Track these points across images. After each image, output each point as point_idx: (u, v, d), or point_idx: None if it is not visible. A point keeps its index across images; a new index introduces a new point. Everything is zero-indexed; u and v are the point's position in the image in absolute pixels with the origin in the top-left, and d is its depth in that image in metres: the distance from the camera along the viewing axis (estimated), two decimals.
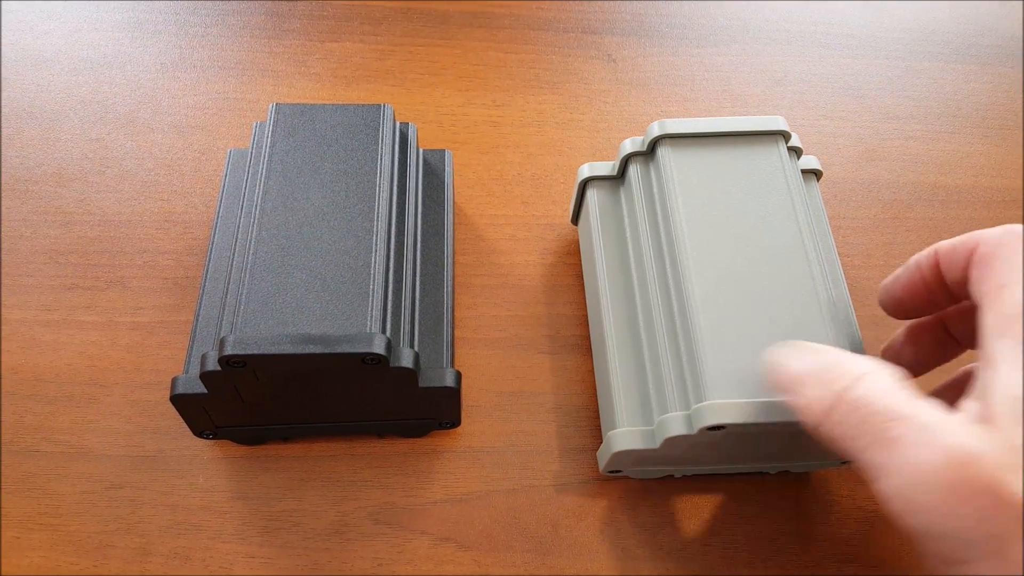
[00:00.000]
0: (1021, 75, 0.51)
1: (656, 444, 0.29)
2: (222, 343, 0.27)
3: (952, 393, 0.29)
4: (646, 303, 0.32)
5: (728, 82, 0.49)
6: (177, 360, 0.35)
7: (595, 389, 0.35)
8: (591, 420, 0.35)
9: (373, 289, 0.29)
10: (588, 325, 0.37)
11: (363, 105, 0.35)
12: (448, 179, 0.39)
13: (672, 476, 0.33)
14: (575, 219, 0.40)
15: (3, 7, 0.49)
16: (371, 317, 0.28)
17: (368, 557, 0.31)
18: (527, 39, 0.51)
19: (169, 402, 0.34)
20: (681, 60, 0.50)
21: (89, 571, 0.30)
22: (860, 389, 0.22)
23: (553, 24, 0.52)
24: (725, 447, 0.30)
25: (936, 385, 0.31)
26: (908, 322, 0.31)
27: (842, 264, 0.39)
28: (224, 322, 0.29)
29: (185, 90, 0.46)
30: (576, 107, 0.47)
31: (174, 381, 0.29)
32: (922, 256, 0.27)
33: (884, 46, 0.52)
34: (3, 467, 0.32)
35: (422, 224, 0.36)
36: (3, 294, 0.37)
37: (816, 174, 0.36)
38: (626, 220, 0.35)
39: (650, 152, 0.34)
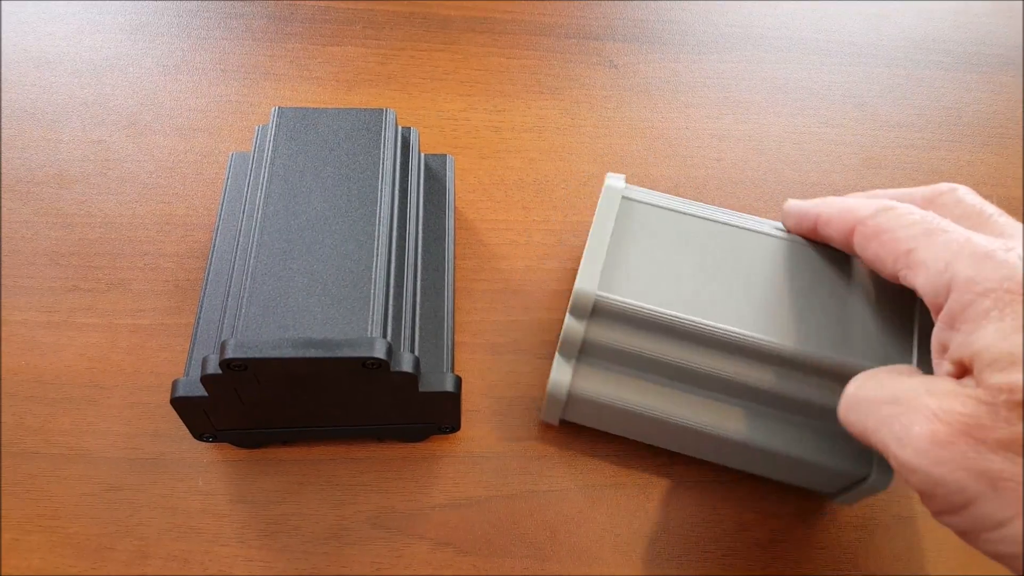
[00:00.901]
0: (1022, 83, 0.52)
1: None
2: (223, 346, 0.27)
3: None
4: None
5: (729, 89, 0.49)
6: (177, 363, 0.35)
7: None
8: (592, 428, 0.35)
9: (374, 293, 0.29)
10: None
11: (365, 109, 0.35)
12: (449, 184, 0.39)
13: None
14: None
15: (4, 8, 0.49)
16: (372, 321, 0.28)
17: (367, 561, 0.31)
18: (529, 44, 0.51)
19: (169, 405, 0.34)
20: (682, 67, 0.50)
21: (88, 573, 0.30)
22: (852, 388, 0.25)
23: (555, 30, 0.52)
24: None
25: None
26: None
27: None
28: (225, 325, 0.29)
29: (187, 93, 0.46)
30: (577, 113, 0.47)
31: (175, 384, 0.29)
32: (806, 217, 0.31)
33: (885, 54, 0.52)
34: (3, 469, 0.32)
35: (423, 229, 0.36)
36: (3, 296, 0.37)
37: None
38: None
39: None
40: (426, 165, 0.39)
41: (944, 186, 0.28)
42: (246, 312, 0.28)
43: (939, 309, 0.24)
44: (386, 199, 0.32)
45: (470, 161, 0.44)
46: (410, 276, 0.32)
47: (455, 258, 0.38)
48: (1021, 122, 0.49)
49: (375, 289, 0.29)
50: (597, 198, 0.43)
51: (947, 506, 0.22)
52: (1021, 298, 0.21)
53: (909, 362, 0.29)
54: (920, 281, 0.24)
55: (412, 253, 0.33)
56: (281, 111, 0.34)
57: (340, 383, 0.29)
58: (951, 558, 0.33)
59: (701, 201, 0.43)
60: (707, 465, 0.34)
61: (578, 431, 0.35)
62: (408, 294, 0.32)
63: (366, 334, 0.27)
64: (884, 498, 0.34)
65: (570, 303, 0.30)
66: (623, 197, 0.33)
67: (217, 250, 0.34)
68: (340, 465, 0.33)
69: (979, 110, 0.50)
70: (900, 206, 0.26)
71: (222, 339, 0.27)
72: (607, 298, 0.30)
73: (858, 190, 0.45)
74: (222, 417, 0.30)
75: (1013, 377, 0.20)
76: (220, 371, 0.27)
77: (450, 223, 0.37)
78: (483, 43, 0.51)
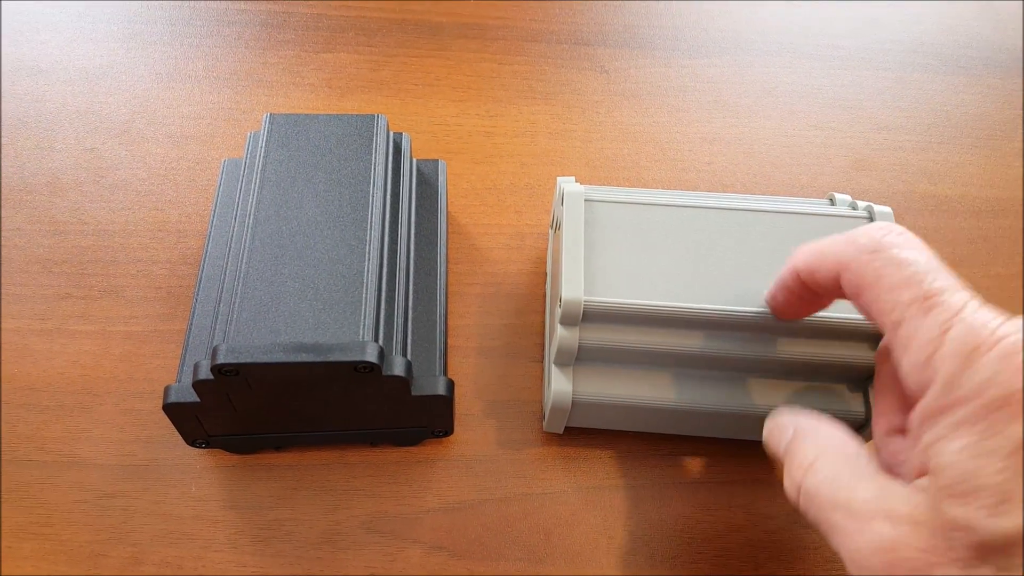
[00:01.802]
0: (1021, 86, 0.52)
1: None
2: (215, 352, 0.27)
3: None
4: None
5: (719, 92, 0.49)
6: (170, 369, 0.35)
7: None
8: (586, 429, 0.35)
9: (366, 298, 0.29)
10: None
11: (357, 115, 0.35)
12: (442, 188, 0.39)
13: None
14: None
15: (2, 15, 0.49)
16: (363, 326, 0.28)
17: (361, 566, 0.31)
18: (520, 50, 0.51)
19: (162, 411, 0.34)
20: (673, 71, 0.50)
21: None
22: (808, 481, 0.23)
23: (546, 35, 0.52)
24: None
25: None
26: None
27: None
28: (217, 331, 0.29)
29: (180, 100, 0.46)
30: (569, 118, 0.47)
31: (167, 390, 0.29)
32: (787, 278, 0.28)
33: (874, 57, 0.53)
34: None
35: (415, 233, 0.36)
36: None
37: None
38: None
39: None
40: (418, 170, 0.39)
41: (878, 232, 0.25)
42: (238, 317, 0.28)
43: (918, 398, 0.22)
44: (378, 204, 0.32)
45: (463, 166, 0.45)
46: (402, 280, 0.33)
47: (448, 262, 0.38)
48: (1015, 123, 0.49)
49: (367, 293, 0.29)
50: None
51: None
52: (999, 414, 0.19)
53: None
54: (904, 366, 0.22)
55: (404, 257, 0.33)
56: (273, 117, 0.34)
57: (332, 388, 0.29)
58: None
59: None
60: (700, 466, 0.35)
61: (571, 434, 0.35)
62: (400, 298, 0.32)
63: (358, 338, 0.28)
64: None
65: (560, 313, 0.31)
66: (585, 200, 0.33)
67: (209, 256, 0.34)
68: (333, 470, 0.33)
69: (968, 112, 0.50)
70: (887, 240, 0.24)
71: (214, 344, 0.27)
72: (595, 302, 0.30)
73: (848, 192, 0.45)
74: (214, 423, 0.30)
75: (971, 514, 0.19)
76: (212, 376, 0.27)
77: (442, 227, 0.37)
78: (475, 49, 0.51)
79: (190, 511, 0.32)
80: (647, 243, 0.32)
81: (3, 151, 0.43)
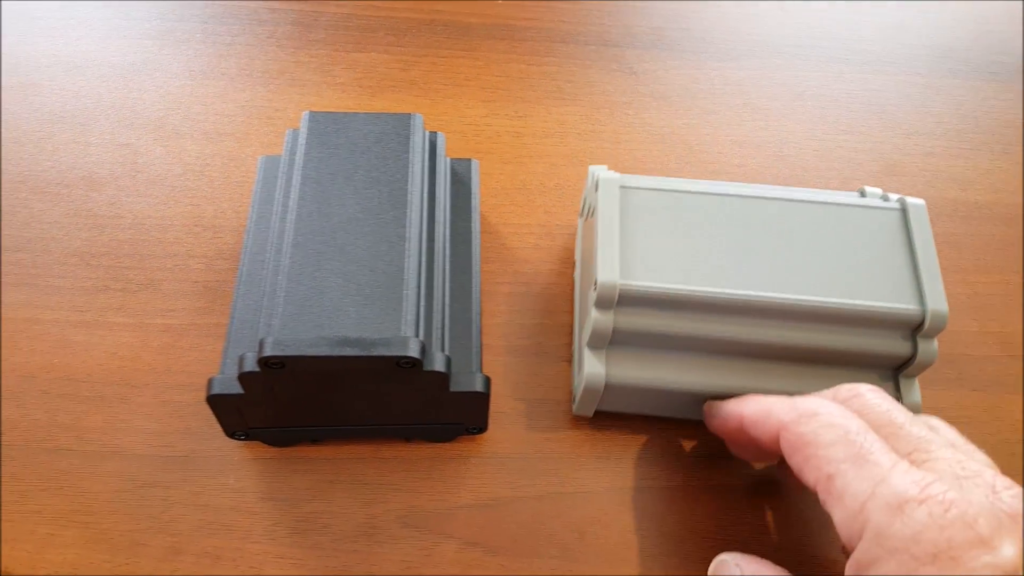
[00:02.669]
0: (1022, 86, 0.52)
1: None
2: (261, 344, 0.27)
3: None
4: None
5: (749, 95, 0.49)
6: (208, 362, 0.36)
7: None
8: (618, 427, 0.35)
9: (407, 294, 0.29)
10: None
11: (394, 114, 0.35)
12: (475, 187, 0.39)
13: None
14: None
15: (33, 13, 0.50)
16: (405, 321, 0.28)
17: (396, 560, 0.31)
18: (549, 51, 0.51)
19: (199, 403, 0.34)
20: (702, 73, 0.51)
21: (121, 568, 0.31)
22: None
23: (574, 37, 0.52)
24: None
25: None
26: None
27: None
28: (261, 324, 0.29)
29: (214, 98, 0.46)
30: (598, 119, 0.48)
31: (210, 381, 0.29)
32: (730, 418, 0.30)
33: (904, 63, 0.53)
34: (38, 465, 0.33)
35: (450, 232, 0.36)
36: (35, 295, 0.38)
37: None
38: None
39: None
40: (452, 169, 0.39)
41: (845, 390, 0.27)
42: (283, 311, 0.28)
43: (852, 549, 0.23)
44: (416, 202, 0.32)
45: (492, 166, 0.45)
46: (439, 278, 0.33)
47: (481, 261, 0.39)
48: (1022, 127, 0.50)
49: (407, 290, 0.29)
50: None
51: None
52: (927, 569, 0.21)
53: (911, 294, 0.31)
54: (836, 516, 0.24)
55: (441, 255, 0.34)
56: (312, 115, 0.35)
57: (371, 382, 0.29)
58: None
59: None
60: (732, 467, 0.35)
61: (603, 432, 0.35)
62: (438, 295, 0.32)
63: (399, 333, 0.28)
64: None
65: (594, 297, 0.31)
66: (620, 186, 0.34)
67: (249, 251, 0.34)
68: (369, 464, 0.34)
69: (998, 118, 0.50)
70: (823, 410, 0.26)
71: (259, 337, 0.28)
72: (630, 285, 0.31)
73: None
74: (255, 415, 0.31)
75: None
76: (257, 369, 0.27)
77: (475, 226, 0.37)
78: (504, 50, 0.51)
79: (228, 502, 0.32)
80: (681, 229, 0.33)
81: (41, 146, 0.44)
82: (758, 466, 0.35)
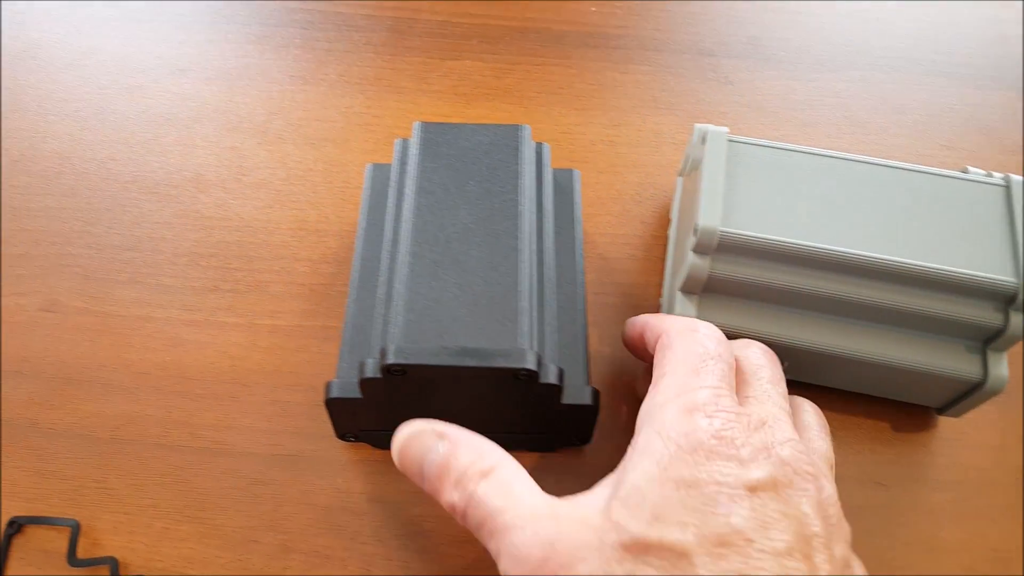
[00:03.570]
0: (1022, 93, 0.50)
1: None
2: (383, 352, 0.28)
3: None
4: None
5: (848, 108, 0.49)
6: (315, 364, 0.36)
7: None
8: None
9: (522, 306, 0.29)
10: None
11: (503, 125, 0.36)
12: (577, 198, 0.39)
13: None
14: None
15: (137, 17, 0.52)
16: (522, 333, 0.28)
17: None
18: (642, 59, 0.51)
19: (308, 404, 0.35)
20: (799, 84, 0.50)
21: (235, 564, 0.32)
22: (482, 487, 0.26)
23: (668, 45, 0.52)
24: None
25: None
26: None
27: None
28: (381, 332, 0.30)
29: (314, 103, 0.47)
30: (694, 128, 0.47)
31: (329, 385, 0.30)
32: (635, 325, 0.32)
33: (1006, 76, 0.51)
34: (153, 460, 0.34)
35: (555, 243, 0.36)
36: (146, 294, 0.39)
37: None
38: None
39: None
40: (554, 179, 0.39)
41: (743, 341, 0.30)
42: (404, 320, 0.28)
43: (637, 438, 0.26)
44: (527, 213, 0.32)
45: (587, 175, 0.45)
46: (549, 289, 0.33)
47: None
48: None
49: (523, 301, 0.29)
50: None
51: None
52: (685, 461, 0.24)
53: (1008, 266, 0.31)
54: (644, 404, 0.27)
55: (550, 267, 0.34)
56: (424, 126, 0.35)
57: (485, 391, 0.30)
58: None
59: None
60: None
61: None
62: (549, 307, 0.32)
63: (516, 345, 0.28)
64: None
65: (694, 242, 0.32)
66: (728, 140, 0.35)
67: (361, 257, 0.35)
68: None
69: None
70: (703, 331, 0.28)
71: (380, 345, 0.28)
72: (731, 232, 0.31)
73: None
74: (368, 418, 0.31)
75: (630, 520, 0.23)
76: (379, 375, 0.28)
77: (578, 237, 0.37)
78: (597, 58, 0.51)
79: (337, 502, 0.33)
80: (784, 183, 0.34)
81: (149, 147, 0.45)
82: None
